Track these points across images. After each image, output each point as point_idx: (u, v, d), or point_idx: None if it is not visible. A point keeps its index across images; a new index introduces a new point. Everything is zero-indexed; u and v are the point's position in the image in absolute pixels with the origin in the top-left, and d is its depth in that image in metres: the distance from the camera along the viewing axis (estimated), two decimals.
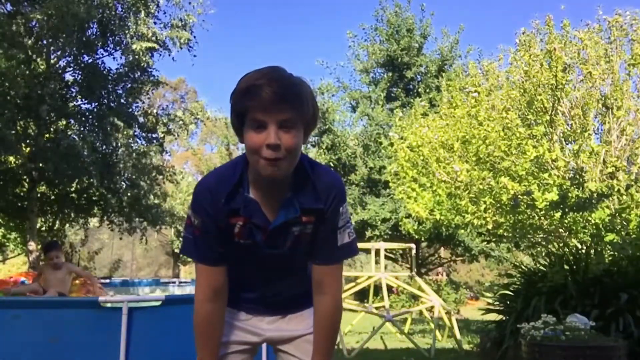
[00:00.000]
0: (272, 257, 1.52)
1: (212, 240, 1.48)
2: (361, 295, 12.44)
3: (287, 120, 1.36)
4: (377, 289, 8.97)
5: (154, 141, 14.10)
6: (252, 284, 1.61)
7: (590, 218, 6.28)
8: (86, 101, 13.31)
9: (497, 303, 5.84)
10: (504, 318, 5.48)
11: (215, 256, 1.50)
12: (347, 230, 1.54)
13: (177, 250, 22.88)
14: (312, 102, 1.44)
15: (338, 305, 1.56)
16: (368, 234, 14.48)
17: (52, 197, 13.90)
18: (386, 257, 13.92)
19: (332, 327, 1.57)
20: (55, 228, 14.59)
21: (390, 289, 12.46)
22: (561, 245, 6.57)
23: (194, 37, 13.43)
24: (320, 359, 1.56)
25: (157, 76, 13.83)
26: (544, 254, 6.43)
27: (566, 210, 6.29)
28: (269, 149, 1.35)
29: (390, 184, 9.72)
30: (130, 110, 13.31)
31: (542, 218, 6.64)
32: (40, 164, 11.57)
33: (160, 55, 13.27)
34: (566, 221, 6.39)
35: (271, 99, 1.33)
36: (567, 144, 7.66)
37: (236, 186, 1.45)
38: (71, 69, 12.99)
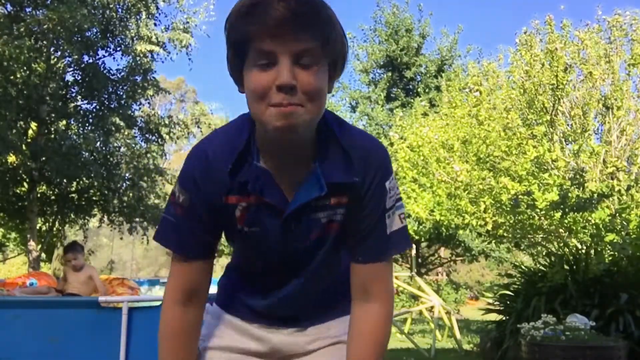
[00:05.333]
0: (289, 253, 1.11)
1: (197, 225, 1.08)
2: None
3: (307, 52, 0.94)
4: None
5: (155, 143, 14.11)
6: (260, 289, 1.19)
7: (590, 218, 6.29)
8: (86, 101, 13.32)
9: (497, 303, 5.84)
10: (504, 318, 5.48)
11: (197, 247, 1.10)
12: (398, 211, 1.11)
13: None
14: (342, 31, 1.01)
15: (389, 316, 1.14)
16: None
17: (52, 197, 13.89)
18: None
19: (381, 344, 1.12)
20: (55, 228, 14.58)
21: None
22: (561, 245, 6.57)
23: (194, 40, 13.46)
24: None
25: (158, 80, 13.86)
26: (544, 254, 6.43)
27: (566, 210, 6.29)
28: (281, 92, 0.93)
29: None
30: (130, 112, 13.31)
31: (542, 218, 6.64)
32: (41, 164, 11.56)
33: (162, 60, 13.34)
34: (566, 221, 6.40)
35: (284, 18, 0.91)
36: (568, 144, 7.67)
37: (243, 153, 1.04)
38: (72, 69, 13.00)
